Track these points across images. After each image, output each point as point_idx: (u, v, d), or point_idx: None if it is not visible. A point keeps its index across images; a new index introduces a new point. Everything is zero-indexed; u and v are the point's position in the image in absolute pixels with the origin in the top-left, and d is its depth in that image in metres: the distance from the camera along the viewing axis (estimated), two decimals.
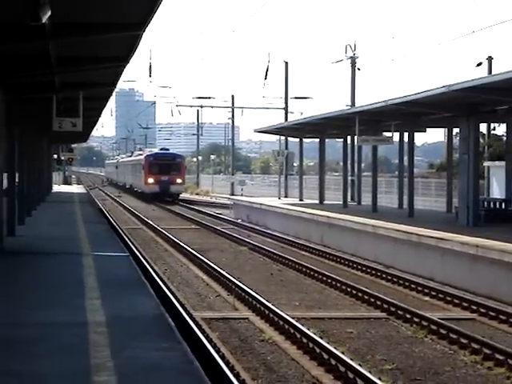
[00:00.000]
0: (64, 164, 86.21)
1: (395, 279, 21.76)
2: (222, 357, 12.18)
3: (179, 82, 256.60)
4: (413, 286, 20.65)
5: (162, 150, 70.77)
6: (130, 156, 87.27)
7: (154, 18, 15.61)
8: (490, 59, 43.52)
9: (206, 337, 13.44)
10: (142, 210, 49.83)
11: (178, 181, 63.34)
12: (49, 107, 25.49)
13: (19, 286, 15.11)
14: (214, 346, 12.87)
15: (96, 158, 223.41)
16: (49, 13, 13.11)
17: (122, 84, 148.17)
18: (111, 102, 67.69)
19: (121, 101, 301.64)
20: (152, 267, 22.05)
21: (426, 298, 19.26)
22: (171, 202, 61.09)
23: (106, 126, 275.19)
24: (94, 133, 77.09)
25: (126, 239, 28.84)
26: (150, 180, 62.52)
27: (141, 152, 77.32)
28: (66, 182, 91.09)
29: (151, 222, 39.03)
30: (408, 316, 16.26)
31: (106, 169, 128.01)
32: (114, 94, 32.80)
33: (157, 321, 11.90)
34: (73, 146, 77.55)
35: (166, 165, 63.30)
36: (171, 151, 70.34)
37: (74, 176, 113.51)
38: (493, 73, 38.39)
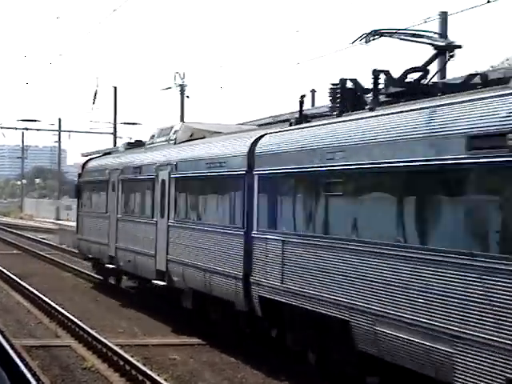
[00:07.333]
0: None
1: None
2: None
3: (3, 103, 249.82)
4: None
5: None
6: None
7: None
8: (313, 92, 45.02)
9: (26, 365, 13.14)
10: None
11: None
12: None
13: None
14: (34, 375, 12.61)
15: None
16: None
17: None
18: None
19: None
20: None
21: None
22: None
23: None
24: None
25: None
26: None
27: None
28: None
29: None
30: None
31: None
32: None
33: None
34: None
35: None
36: None
37: None
38: (315, 105, 39.75)
